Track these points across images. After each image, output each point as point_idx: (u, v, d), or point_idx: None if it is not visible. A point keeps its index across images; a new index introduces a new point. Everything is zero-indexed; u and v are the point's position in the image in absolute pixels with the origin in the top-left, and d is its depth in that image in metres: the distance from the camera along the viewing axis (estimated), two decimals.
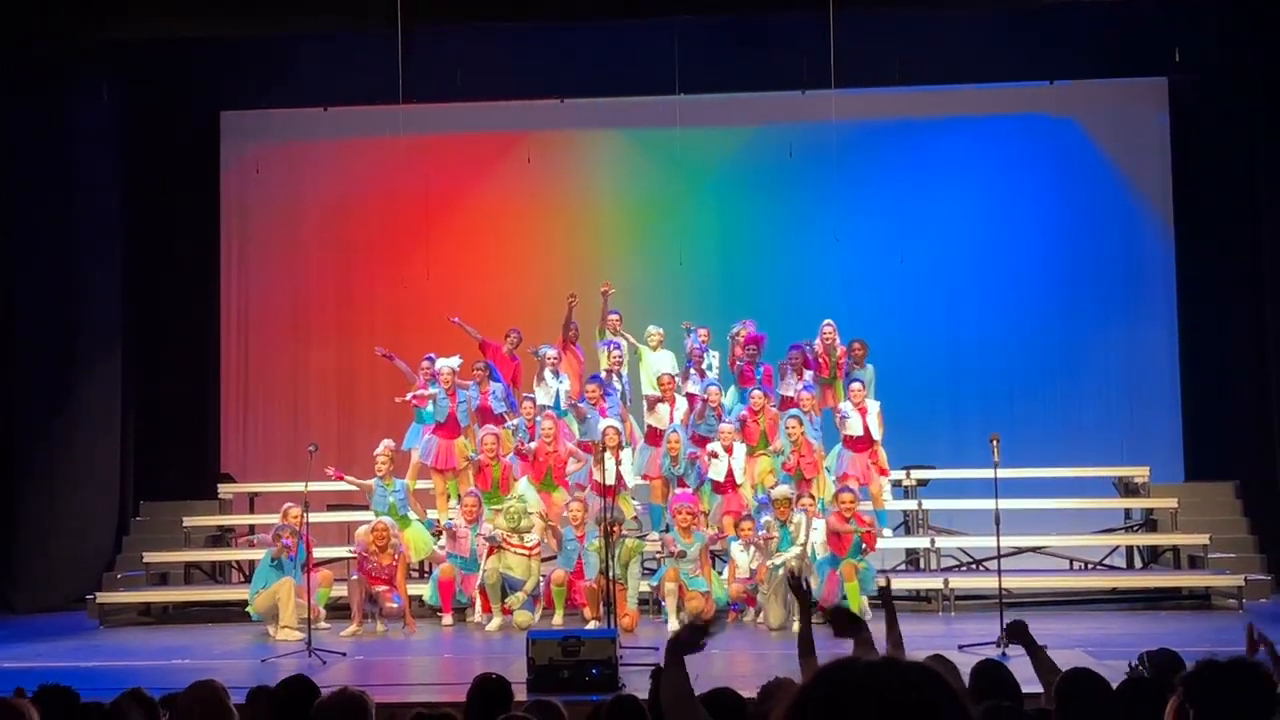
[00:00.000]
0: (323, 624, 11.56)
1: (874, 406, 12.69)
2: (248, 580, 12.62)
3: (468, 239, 15.48)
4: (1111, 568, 13.75)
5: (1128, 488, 13.89)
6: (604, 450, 11.41)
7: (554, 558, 12.00)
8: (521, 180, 15.62)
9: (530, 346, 13.55)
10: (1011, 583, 11.43)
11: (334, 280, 15.89)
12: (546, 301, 14.18)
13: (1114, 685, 4.58)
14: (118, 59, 14.40)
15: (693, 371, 13.24)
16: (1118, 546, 13.91)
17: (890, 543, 13.01)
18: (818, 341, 13.24)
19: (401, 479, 12.46)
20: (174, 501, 14.38)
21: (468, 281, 15.16)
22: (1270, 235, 13.80)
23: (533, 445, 12.44)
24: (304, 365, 15.79)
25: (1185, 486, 13.97)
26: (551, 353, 13.28)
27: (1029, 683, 5.07)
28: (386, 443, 12.51)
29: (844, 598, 10.76)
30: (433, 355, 13.16)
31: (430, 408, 12.93)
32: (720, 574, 11.84)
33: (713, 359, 13.43)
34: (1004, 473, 10.68)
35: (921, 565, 13.28)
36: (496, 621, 11.52)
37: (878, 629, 4.81)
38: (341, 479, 12.39)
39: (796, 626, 10.83)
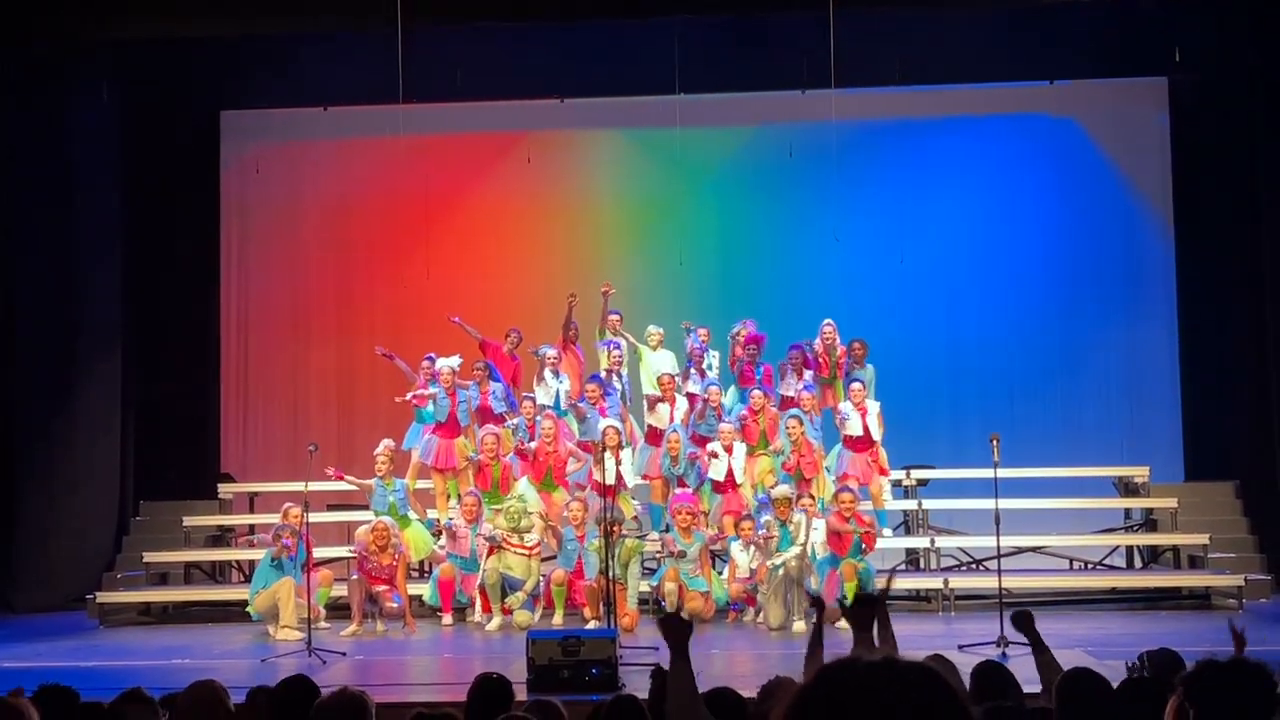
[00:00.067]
0: (323, 624, 11.56)
1: (874, 407, 12.69)
2: (248, 580, 12.62)
3: (468, 239, 15.48)
4: (1111, 568, 13.75)
5: (1128, 488, 13.89)
6: (604, 450, 11.41)
7: (554, 558, 12.00)
8: (521, 180, 15.62)
9: (530, 346, 13.55)
10: (1011, 583, 11.43)
11: (334, 280, 15.89)
12: (546, 301, 14.18)
13: (1114, 685, 4.58)
14: (118, 59, 14.40)
15: (693, 371, 13.23)
16: (1118, 546, 13.91)
17: (890, 543, 13.01)
18: (818, 341, 13.24)
19: (401, 479, 12.47)
20: (174, 501, 14.39)
21: (468, 281, 15.16)
22: (1270, 235, 13.80)
23: (533, 445, 12.44)
24: (304, 365, 15.79)
25: (1185, 486, 13.97)
26: (551, 353, 13.28)
27: (1029, 683, 5.08)
28: (386, 442, 12.51)
29: (844, 597, 10.74)
30: (433, 355, 13.16)
31: (430, 407, 12.93)
32: (720, 574, 11.84)
33: (713, 359, 13.43)
34: (1004, 473, 10.68)
35: (921, 565, 13.28)
36: (496, 621, 11.52)
37: None
38: (341, 479, 12.39)
39: (797, 626, 10.92)
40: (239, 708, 4.70)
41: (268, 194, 15.90)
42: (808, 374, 13.05)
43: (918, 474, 13.73)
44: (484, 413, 13.07)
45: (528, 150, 15.51)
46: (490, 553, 11.68)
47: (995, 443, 10.12)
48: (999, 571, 10.48)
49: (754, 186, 15.50)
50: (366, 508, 12.51)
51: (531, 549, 11.81)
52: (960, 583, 12.51)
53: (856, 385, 12.70)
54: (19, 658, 10.24)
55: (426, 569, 12.70)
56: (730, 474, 12.25)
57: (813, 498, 11.65)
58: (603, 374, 13.11)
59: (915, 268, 14.89)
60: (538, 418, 12.57)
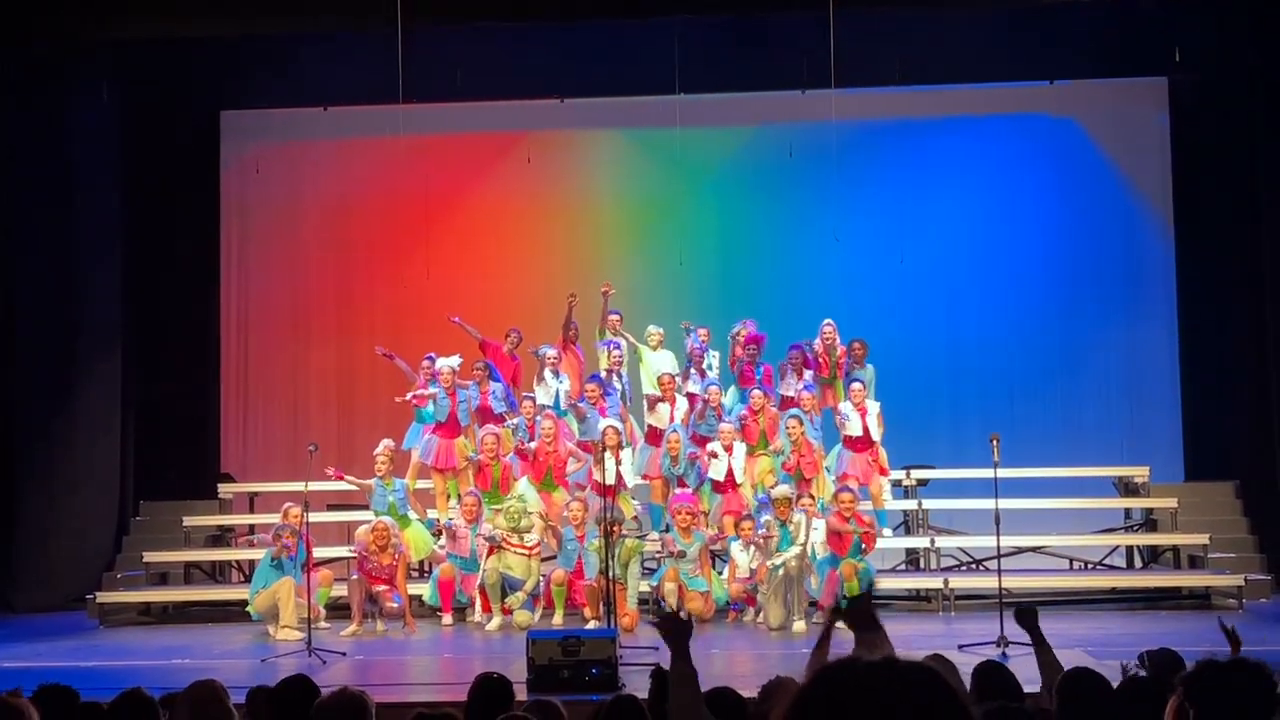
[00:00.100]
0: (323, 624, 11.56)
1: (874, 407, 12.68)
2: (248, 580, 12.62)
3: (468, 239, 15.48)
4: (1111, 568, 13.75)
5: (1128, 488, 13.89)
6: (604, 450, 11.42)
7: (554, 558, 12.00)
8: (521, 180, 15.62)
9: (530, 346, 13.55)
10: (1011, 583, 11.42)
11: (334, 280, 15.89)
12: (546, 301, 14.18)
13: (1114, 685, 4.58)
14: (118, 59, 14.40)
15: (693, 371, 13.23)
16: (1118, 546, 13.91)
17: (890, 542, 13.01)
18: (818, 341, 13.23)
19: (401, 479, 12.46)
20: (174, 501, 14.38)
21: (468, 281, 15.16)
22: (1270, 235, 13.80)
23: (532, 445, 12.44)
24: (304, 365, 15.79)
25: (1185, 486, 13.97)
26: (551, 352, 13.28)
27: (1030, 683, 5.08)
28: (386, 442, 12.51)
29: (843, 597, 10.73)
30: (433, 355, 13.16)
31: (430, 407, 12.93)
32: (720, 574, 11.84)
33: (713, 359, 13.42)
34: (1004, 472, 10.68)
35: (921, 565, 13.28)
36: (496, 621, 11.52)
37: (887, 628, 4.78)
38: (341, 479, 12.39)
39: (797, 626, 10.92)
40: (239, 708, 4.70)
41: (268, 194, 15.90)
42: (808, 374, 13.05)
43: (918, 474, 13.73)
44: (484, 413, 13.07)
45: (528, 150, 15.51)
46: (490, 553, 11.68)
47: (995, 443, 10.12)
48: (999, 571, 10.47)
49: (754, 186, 15.50)
50: (366, 508, 12.51)
51: (531, 549, 11.81)
52: (960, 583, 12.51)
53: (856, 385, 12.70)
54: (19, 658, 10.24)
55: (426, 569, 12.70)
56: (730, 474, 12.25)
57: (812, 498, 11.64)
58: (603, 374, 13.11)
59: (915, 268, 14.89)
60: (538, 418, 12.57)
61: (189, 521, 13.94)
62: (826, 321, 13.26)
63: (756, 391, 12.72)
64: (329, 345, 15.74)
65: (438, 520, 12.58)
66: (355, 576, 11.63)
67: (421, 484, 13.07)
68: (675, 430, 12.38)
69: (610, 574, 10.42)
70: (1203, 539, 12.65)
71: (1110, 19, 14.18)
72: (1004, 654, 8.90)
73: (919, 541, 13.21)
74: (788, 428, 12.18)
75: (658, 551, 11.98)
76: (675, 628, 3.76)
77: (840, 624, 4.19)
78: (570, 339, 13.64)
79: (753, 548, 11.42)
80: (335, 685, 4.35)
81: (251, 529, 14.04)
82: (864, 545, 11.28)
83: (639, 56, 14.48)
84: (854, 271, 14.91)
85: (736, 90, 15.33)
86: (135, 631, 12.33)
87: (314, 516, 11.99)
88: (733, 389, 13.28)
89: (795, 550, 11.08)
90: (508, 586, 11.70)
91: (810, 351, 13.23)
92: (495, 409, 13.03)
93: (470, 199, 15.79)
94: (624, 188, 15.82)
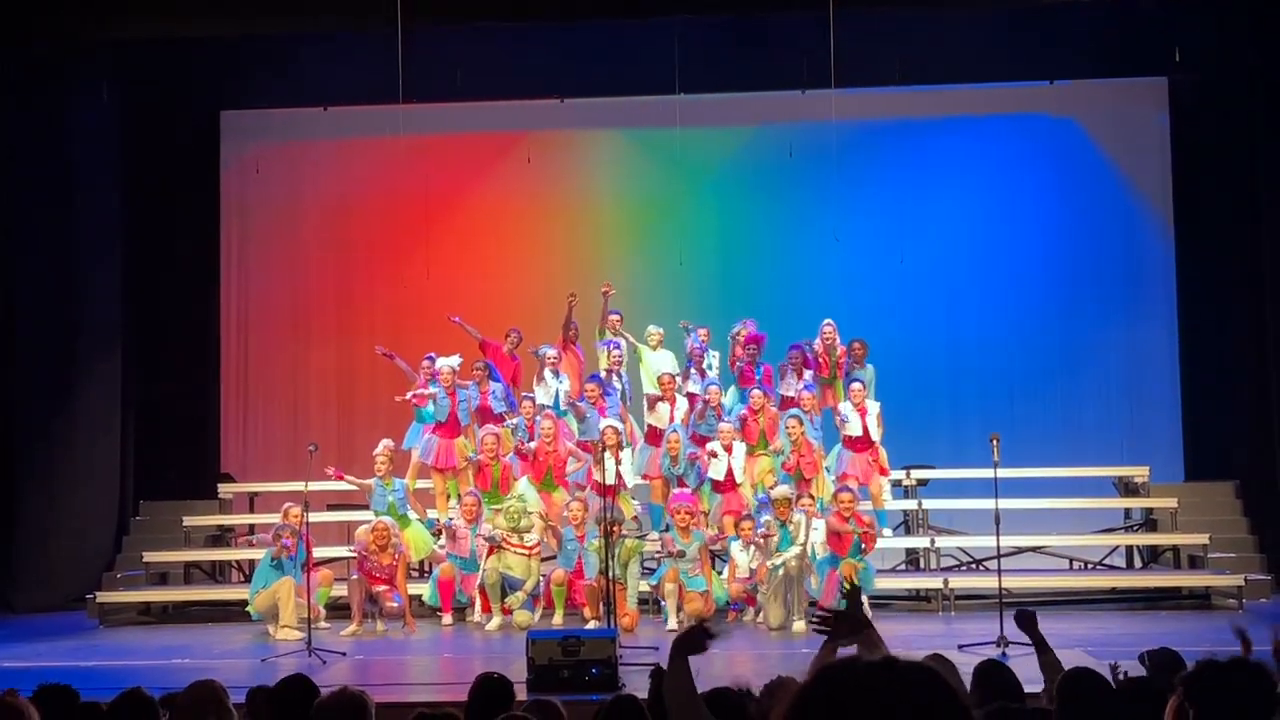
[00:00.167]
0: (323, 624, 11.56)
1: (874, 407, 12.68)
2: (248, 580, 12.63)
3: (468, 239, 15.48)
4: (1111, 567, 13.75)
5: (1128, 488, 13.89)
6: (604, 450, 11.42)
7: (554, 557, 12.00)
8: (521, 180, 15.61)
9: (530, 346, 13.54)
10: (1011, 582, 11.43)
11: (334, 280, 15.88)
12: (546, 301, 14.18)
13: (1114, 685, 4.58)
14: (118, 59, 14.40)
15: (693, 371, 13.23)
16: (1118, 546, 13.91)
17: (890, 542, 13.01)
18: (818, 341, 13.23)
19: (401, 478, 12.46)
20: (174, 501, 14.39)
21: (468, 281, 15.16)
22: (1270, 235, 13.80)
23: (532, 445, 12.44)
24: (304, 365, 15.79)
25: (1185, 486, 13.97)
26: (551, 352, 13.28)
27: (1030, 683, 5.08)
28: (386, 442, 12.50)
29: (843, 598, 10.73)
30: (433, 354, 13.16)
31: (430, 407, 12.93)
32: (720, 574, 11.84)
33: (713, 359, 13.42)
34: (1004, 472, 10.68)
35: (921, 565, 13.28)
36: (496, 621, 11.52)
37: (881, 629, 4.78)
38: (341, 478, 12.39)
39: (797, 626, 10.91)
40: (238, 707, 4.70)
41: (268, 194, 15.90)
42: (808, 374, 13.04)
43: (918, 474, 13.73)
44: (483, 413, 13.07)
45: (528, 150, 15.51)
46: (490, 553, 11.68)
47: (995, 443, 10.12)
48: (999, 571, 10.48)
49: (754, 186, 15.49)
50: (366, 508, 12.51)
51: (531, 549, 11.81)
52: (960, 583, 12.51)
53: (856, 385, 12.70)
54: (19, 658, 10.24)
55: (426, 569, 12.70)
56: (730, 474, 12.25)
57: (812, 498, 11.64)
58: (602, 374, 13.11)
59: (915, 268, 14.89)
60: (537, 418, 12.56)
61: (189, 521, 13.94)
62: (826, 321, 13.25)
63: (756, 391, 12.71)
64: (329, 345, 15.74)
65: (438, 520, 12.58)
66: (355, 576, 11.63)
67: (421, 484, 13.07)
68: (675, 430, 12.38)
69: (610, 574, 10.43)
70: (1203, 539, 12.65)
71: (1110, 19, 14.18)
72: (1004, 654, 8.89)
73: (919, 541, 13.21)
74: (788, 428, 12.17)
75: (657, 551, 11.98)
76: (692, 642, 3.65)
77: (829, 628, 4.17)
78: (570, 339, 13.64)
79: (753, 548, 11.42)
80: (335, 685, 4.35)
81: (251, 529, 14.04)
82: (864, 545, 11.28)
83: (639, 56, 14.48)
84: (854, 271, 14.91)
85: (736, 90, 15.33)
86: (135, 631, 12.33)
87: (314, 516, 11.99)
88: (733, 389, 13.28)
89: (795, 550, 11.08)
90: (508, 586, 11.70)
91: (810, 351, 13.22)
92: (495, 409, 13.03)
93: (470, 199, 15.79)
94: (624, 188, 15.82)
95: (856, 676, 1.77)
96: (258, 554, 12.40)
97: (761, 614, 11.25)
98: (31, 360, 13.75)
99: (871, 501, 12.56)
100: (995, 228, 15.24)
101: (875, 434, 12.62)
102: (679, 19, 13.68)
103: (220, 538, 14.27)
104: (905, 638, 9.99)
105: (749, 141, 15.71)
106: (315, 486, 12.04)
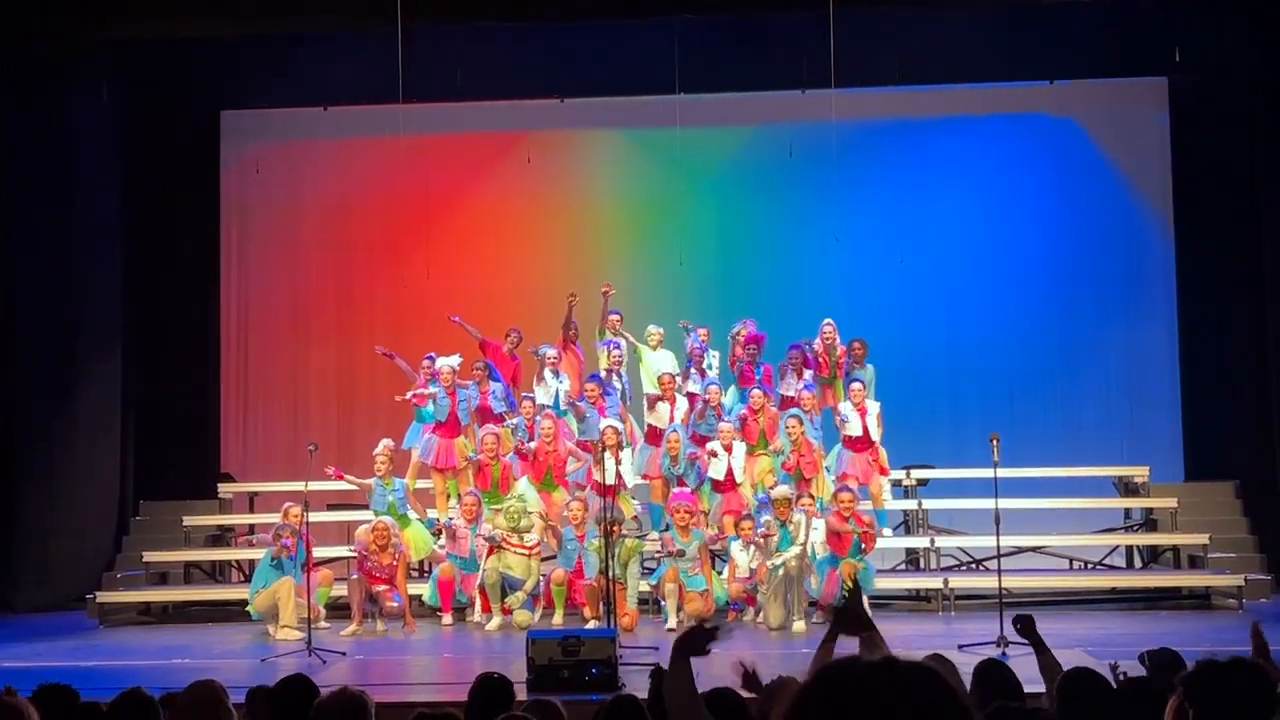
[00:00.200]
0: (323, 623, 11.56)
1: (874, 407, 12.68)
2: (248, 580, 12.63)
3: (468, 239, 15.48)
4: (1111, 567, 13.75)
5: (1128, 487, 13.89)
6: (603, 450, 11.41)
7: (554, 557, 12.00)
8: (521, 180, 15.61)
9: (530, 346, 13.54)
10: (1011, 582, 11.43)
11: (334, 280, 15.89)
12: (546, 301, 14.18)
13: (1114, 685, 4.58)
14: (118, 59, 14.40)
15: (693, 371, 13.23)
16: (1117, 546, 13.91)
17: (890, 542, 13.01)
18: (818, 341, 13.23)
19: (401, 478, 12.46)
20: (174, 501, 14.39)
21: (468, 281, 15.16)
22: (1270, 235, 13.80)
23: (532, 445, 12.44)
24: (304, 365, 15.79)
25: (1185, 486, 13.97)
26: (551, 352, 13.28)
27: (1030, 683, 5.08)
28: (386, 442, 12.50)
29: (843, 597, 10.73)
30: (433, 354, 13.16)
31: (430, 407, 12.93)
32: (720, 574, 11.84)
33: (713, 359, 13.42)
34: (1004, 472, 10.68)
35: (921, 565, 13.28)
36: (496, 621, 11.52)
37: (881, 628, 4.78)
38: (341, 478, 12.39)
39: (797, 626, 10.91)
40: (238, 707, 4.70)
41: (268, 194, 15.90)
42: (808, 374, 13.04)
43: (918, 474, 13.73)
44: (483, 413, 13.07)
45: (528, 150, 15.51)
46: (490, 553, 11.68)
47: (995, 443, 10.12)
48: (999, 571, 10.48)
49: (754, 186, 15.50)
50: (366, 507, 12.51)
51: (531, 549, 11.81)
52: (960, 583, 12.51)
53: (856, 385, 12.69)
54: (19, 658, 10.24)
55: (426, 569, 12.70)
56: (730, 473, 12.25)
57: (812, 497, 11.64)
58: (602, 374, 13.11)
59: (915, 268, 14.89)
60: (537, 417, 12.56)
61: (189, 521, 13.94)
62: (826, 321, 13.25)
63: (756, 391, 12.71)
64: (329, 345, 15.74)
65: (438, 520, 12.58)
66: (355, 576, 11.63)
67: (421, 484, 13.07)
68: (675, 430, 12.38)
69: (610, 574, 10.43)
70: (1203, 539, 12.65)
71: (1110, 19, 14.18)
72: (1004, 654, 8.89)
73: (919, 541, 13.21)
74: (788, 427, 12.17)
75: (657, 551, 11.98)
76: (693, 644, 3.65)
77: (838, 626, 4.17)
78: (570, 339, 13.63)
79: (753, 548, 11.42)
80: (335, 685, 4.35)
81: (251, 529, 14.04)
82: (864, 545, 11.28)
83: (639, 56, 14.48)
84: (854, 271, 14.91)
85: (736, 90, 15.34)
86: (135, 631, 12.33)
87: (314, 516, 11.99)
88: (733, 389, 13.28)
89: (795, 550, 11.08)
90: (508, 586, 11.70)
91: (810, 351, 13.22)
92: (495, 409, 13.03)
93: (470, 199, 15.79)
94: (624, 188, 15.82)
95: (856, 676, 1.77)
96: (258, 554, 12.40)
97: (761, 614, 11.25)
98: (31, 360, 13.74)
99: (871, 501, 12.56)
100: (995, 228, 15.24)
101: (875, 434, 12.62)
102: (679, 19, 13.67)
103: (220, 538, 14.27)
104: (905, 638, 9.99)
105: (749, 141, 15.71)
106: (315, 486, 12.04)
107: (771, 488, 11.71)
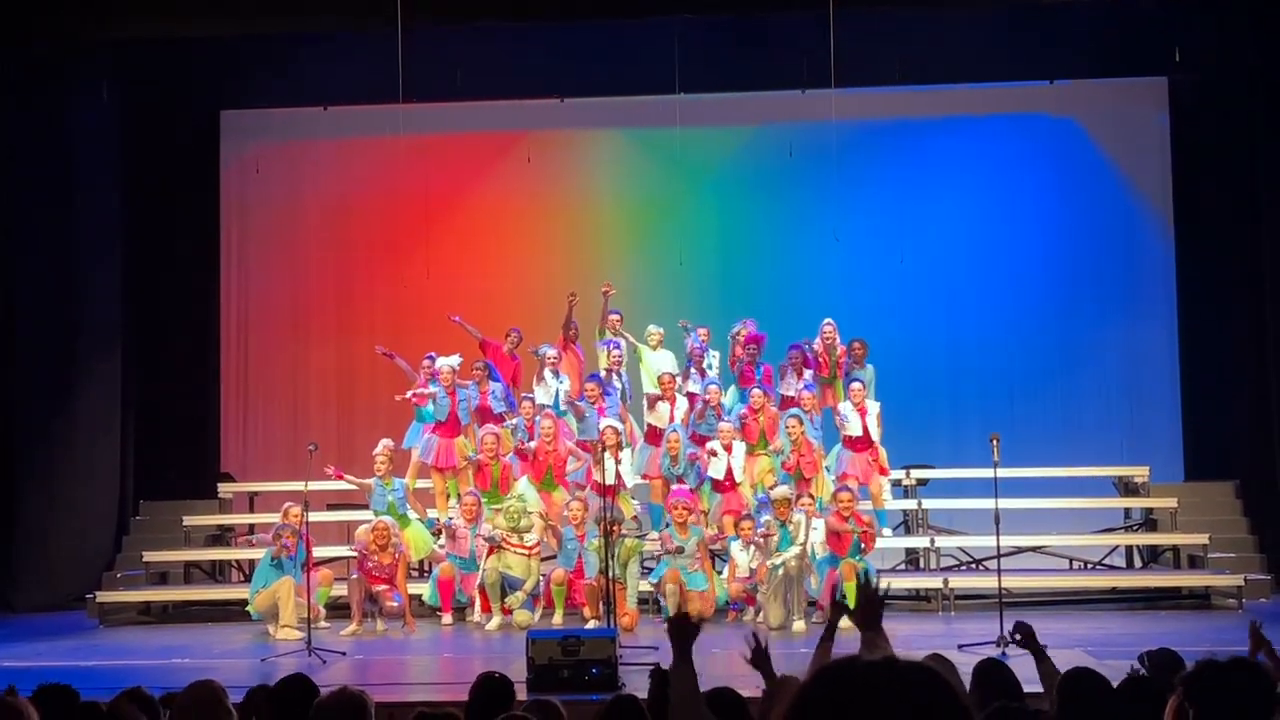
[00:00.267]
0: (323, 623, 11.56)
1: (874, 407, 12.68)
2: (247, 579, 12.63)
3: (468, 239, 15.48)
4: (1111, 567, 13.76)
5: (1127, 487, 13.89)
6: (603, 450, 11.41)
7: (554, 557, 12.00)
8: (521, 180, 15.62)
9: (530, 346, 13.55)
10: (1011, 582, 11.43)
11: (334, 280, 15.89)
12: (546, 301, 14.18)
13: (1114, 685, 4.58)
14: (118, 59, 14.40)
15: (693, 371, 13.23)
16: (1117, 546, 13.92)
17: (890, 542, 13.01)
18: (818, 340, 13.23)
19: (401, 478, 12.46)
20: (174, 501, 14.39)
21: (468, 281, 15.16)
22: (1270, 235, 13.80)
23: (532, 445, 12.44)
24: (304, 365, 15.79)
25: (1185, 486, 13.97)
26: (551, 352, 13.28)
27: (1029, 683, 5.08)
28: (385, 442, 12.51)
29: (843, 597, 10.74)
30: (433, 354, 13.16)
31: (430, 406, 12.93)
32: (720, 574, 11.84)
33: (713, 359, 13.42)
34: (1004, 472, 10.67)
35: (921, 565, 13.28)
36: (496, 621, 11.52)
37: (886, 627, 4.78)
38: (341, 478, 12.39)
39: (797, 626, 10.91)
40: (238, 707, 4.70)
41: (268, 194, 15.90)
42: (808, 374, 13.04)
43: (918, 474, 13.73)
44: (483, 412, 13.07)
45: (528, 150, 15.51)
46: (490, 552, 11.68)
47: (995, 442, 10.11)
48: (999, 571, 10.48)
49: (754, 186, 15.50)
50: (366, 507, 12.51)
51: (531, 549, 11.81)
52: (960, 582, 12.51)
53: (856, 385, 12.69)
54: (19, 657, 10.23)
55: (426, 569, 12.70)
56: (730, 473, 12.25)
57: (812, 497, 11.64)
58: (602, 374, 13.11)
59: (915, 268, 14.89)
60: (537, 417, 12.56)
61: (189, 521, 13.94)
62: (826, 321, 13.25)
63: (756, 391, 12.71)
64: (329, 345, 15.74)
65: (438, 520, 12.58)
66: (355, 576, 11.63)
67: (421, 483, 13.07)
68: (675, 430, 12.38)
69: (610, 574, 10.43)
70: (1203, 539, 12.65)
71: (1110, 19, 14.18)
72: (1004, 654, 8.88)
73: (919, 541, 13.21)
74: (788, 427, 12.17)
75: (658, 550, 11.97)
76: (681, 629, 3.77)
77: (845, 623, 4.18)
78: (570, 339, 13.64)
79: (753, 548, 11.42)
80: (335, 685, 4.35)
81: (251, 529, 14.04)
82: (863, 545, 11.28)
83: (639, 56, 14.48)
84: (854, 271, 14.91)
85: (736, 90, 15.34)
86: (135, 631, 12.33)
87: (314, 516, 12.00)
88: (733, 389, 13.28)
89: (795, 550, 11.08)
90: (507, 586, 11.70)
91: (810, 351, 13.22)
92: (494, 409, 13.03)
93: (470, 199, 15.79)
94: (624, 188, 15.82)
95: (856, 676, 1.77)
96: (258, 554, 12.40)
97: (761, 614, 11.25)
98: (31, 360, 13.74)
99: (871, 501, 12.56)
100: (995, 228, 15.24)
101: (875, 434, 12.62)
102: (679, 19, 13.68)
103: (220, 537, 14.27)
104: (905, 638, 9.99)
105: (749, 141, 15.71)
106: (315, 486, 12.04)
107: (771, 488, 11.72)
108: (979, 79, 15.15)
